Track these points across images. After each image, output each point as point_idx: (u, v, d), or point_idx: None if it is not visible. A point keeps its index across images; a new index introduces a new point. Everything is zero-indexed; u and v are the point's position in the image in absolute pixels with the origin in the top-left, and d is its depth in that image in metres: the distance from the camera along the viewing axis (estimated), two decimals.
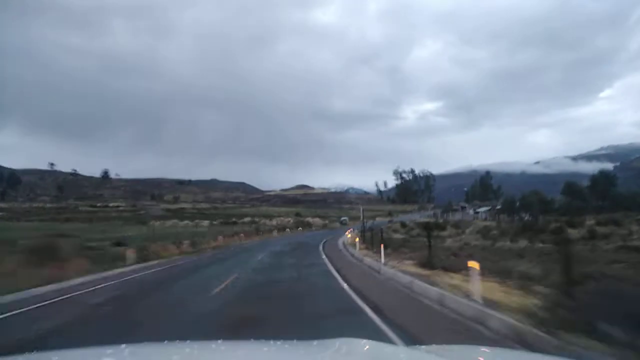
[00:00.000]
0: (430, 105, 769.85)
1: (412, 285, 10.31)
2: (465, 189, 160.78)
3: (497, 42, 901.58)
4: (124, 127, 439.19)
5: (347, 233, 44.60)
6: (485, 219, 74.21)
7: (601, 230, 59.21)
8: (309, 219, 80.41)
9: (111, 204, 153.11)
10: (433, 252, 15.57)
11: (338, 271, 15.40)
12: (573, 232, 62.57)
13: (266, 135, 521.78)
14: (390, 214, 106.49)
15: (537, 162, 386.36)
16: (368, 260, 18.50)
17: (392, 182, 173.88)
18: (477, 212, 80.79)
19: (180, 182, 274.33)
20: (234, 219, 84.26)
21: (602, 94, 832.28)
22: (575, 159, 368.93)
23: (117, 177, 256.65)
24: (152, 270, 18.47)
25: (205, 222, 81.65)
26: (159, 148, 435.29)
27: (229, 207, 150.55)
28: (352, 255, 23.69)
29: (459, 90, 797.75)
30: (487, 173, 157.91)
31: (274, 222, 79.39)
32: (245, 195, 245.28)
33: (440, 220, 66.15)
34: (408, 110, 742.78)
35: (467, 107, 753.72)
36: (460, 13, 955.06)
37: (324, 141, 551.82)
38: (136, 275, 16.71)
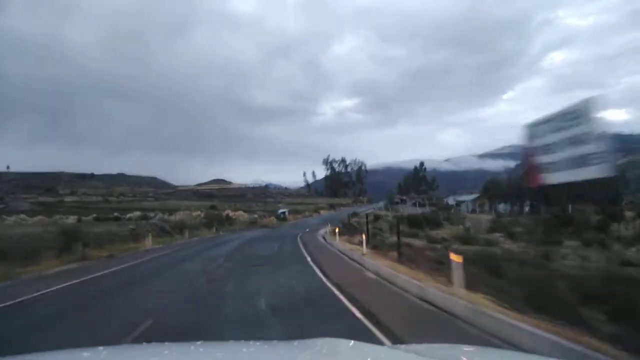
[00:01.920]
0: (348, 102, 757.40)
1: None
2: (399, 182, 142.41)
3: (412, 42, 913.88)
4: (19, 116, 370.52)
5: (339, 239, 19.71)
6: (474, 211, 52.83)
7: None
8: (230, 213, 53.21)
9: None
10: None
11: None
12: (619, 228, 41.10)
13: (180, 128, 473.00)
14: (332, 206, 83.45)
15: (447, 160, 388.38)
16: None
17: (321, 173, 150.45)
18: (460, 203, 59.13)
19: (82, 176, 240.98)
20: (116, 214, 54.41)
21: (504, 96, 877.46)
22: (481, 156, 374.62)
23: (8, 169, 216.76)
24: None
25: (72, 219, 51.30)
26: (60, 140, 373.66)
27: (125, 200, 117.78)
28: None
29: (375, 88, 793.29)
30: (422, 164, 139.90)
31: (177, 217, 50.98)
32: (155, 190, 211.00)
33: (428, 213, 42.65)
34: (326, 106, 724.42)
35: (383, 105, 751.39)
36: (377, 11, 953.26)
37: (241, 135, 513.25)
38: None
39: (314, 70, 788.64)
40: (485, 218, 43.03)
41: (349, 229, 25.01)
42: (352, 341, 2.19)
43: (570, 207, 39.29)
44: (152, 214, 54.39)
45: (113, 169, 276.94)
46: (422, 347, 2.48)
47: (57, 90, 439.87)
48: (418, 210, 54.83)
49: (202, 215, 48.93)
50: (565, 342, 4.59)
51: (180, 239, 31.68)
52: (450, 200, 63.26)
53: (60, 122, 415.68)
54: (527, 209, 47.94)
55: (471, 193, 65.46)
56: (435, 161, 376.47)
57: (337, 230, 23.08)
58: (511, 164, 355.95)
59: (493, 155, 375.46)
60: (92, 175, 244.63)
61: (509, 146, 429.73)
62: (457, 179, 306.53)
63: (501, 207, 55.42)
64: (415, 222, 36.35)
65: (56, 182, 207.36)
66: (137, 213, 56.00)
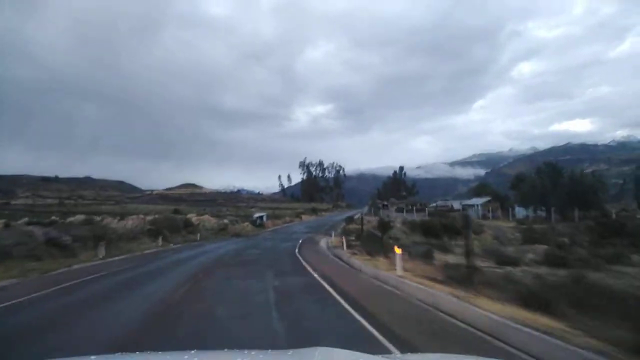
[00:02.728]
0: (321, 108, 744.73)
1: None
2: (377, 188, 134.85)
3: (386, 48, 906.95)
4: None
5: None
6: (485, 217, 44.91)
7: None
8: (193, 218, 43.15)
9: None
10: None
11: None
12: None
13: (150, 132, 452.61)
14: (315, 211, 74.79)
15: (419, 167, 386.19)
16: None
17: (296, 178, 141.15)
18: (466, 208, 50.68)
19: (45, 179, 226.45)
20: (53, 217, 43.89)
21: (475, 104, 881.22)
22: (452, 164, 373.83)
23: None
24: None
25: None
26: (24, 142, 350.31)
27: (83, 204, 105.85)
28: None
29: (349, 94, 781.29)
30: (401, 169, 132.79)
31: (130, 221, 40.86)
32: (121, 194, 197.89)
33: (445, 221, 34.27)
34: (300, 111, 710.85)
35: (356, 112, 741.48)
36: (352, 17, 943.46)
37: (213, 140, 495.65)
38: None
39: (287, 75, 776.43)
40: (505, 225, 35.30)
41: (367, 243, 15.83)
42: (349, 351, 2.10)
43: (614, 212, 31.86)
44: (97, 217, 44.12)
45: (80, 173, 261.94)
46: (420, 356, 2.34)
47: (19, 90, 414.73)
48: (405, 216, 46.70)
49: (156, 217, 38.88)
50: None
51: (90, 260, 18.69)
52: (456, 205, 55.22)
53: (23, 123, 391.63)
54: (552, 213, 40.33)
55: (480, 196, 57.21)
56: (407, 168, 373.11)
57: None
58: (481, 172, 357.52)
59: (463, 163, 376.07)
60: (56, 179, 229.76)
61: (479, 154, 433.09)
62: (429, 186, 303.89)
63: (518, 212, 47.99)
64: (430, 231, 27.96)
65: (17, 185, 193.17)
66: (81, 217, 45.43)
